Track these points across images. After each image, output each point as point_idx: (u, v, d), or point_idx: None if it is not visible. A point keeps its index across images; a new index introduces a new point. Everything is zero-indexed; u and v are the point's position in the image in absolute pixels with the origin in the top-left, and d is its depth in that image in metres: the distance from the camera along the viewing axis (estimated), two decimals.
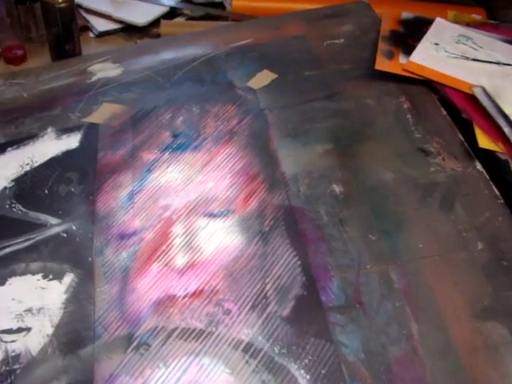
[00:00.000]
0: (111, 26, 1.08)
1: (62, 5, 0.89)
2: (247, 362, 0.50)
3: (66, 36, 0.93)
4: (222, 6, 1.12)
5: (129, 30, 1.08)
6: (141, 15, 1.08)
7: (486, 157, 0.63)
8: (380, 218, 0.60)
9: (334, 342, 0.50)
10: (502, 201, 0.59)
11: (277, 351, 0.50)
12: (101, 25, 1.08)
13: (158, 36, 1.05)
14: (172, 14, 1.12)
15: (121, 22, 1.08)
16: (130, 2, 1.11)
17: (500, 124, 0.63)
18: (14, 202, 0.69)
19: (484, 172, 0.62)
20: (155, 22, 1.07)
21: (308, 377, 0.48)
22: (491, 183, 0.61)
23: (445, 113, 0.69)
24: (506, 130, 0.62)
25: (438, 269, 0.55)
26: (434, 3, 0.97)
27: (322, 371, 0.48)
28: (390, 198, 0.61)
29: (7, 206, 0.68)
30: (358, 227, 0.59)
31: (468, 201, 0.60)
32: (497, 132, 0.63)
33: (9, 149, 0.76)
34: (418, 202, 0.61)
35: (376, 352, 0.49)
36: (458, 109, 0.68)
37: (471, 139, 0.65)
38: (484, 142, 0.62)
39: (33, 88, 0.85)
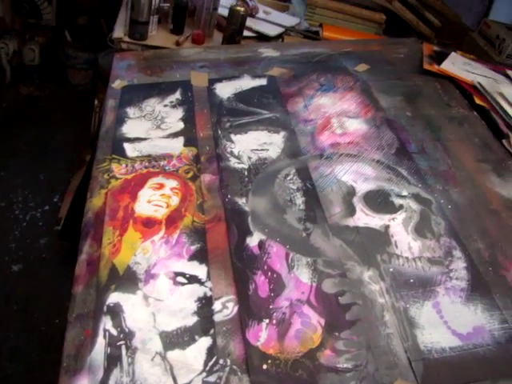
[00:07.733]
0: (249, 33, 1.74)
1: (242, 12, 1.55)
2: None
3: (239, 31, 1.57)
4: (317, 33, 1.82)
5: (260, 37, 1.74)
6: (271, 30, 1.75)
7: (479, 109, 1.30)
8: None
9: None
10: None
11: None
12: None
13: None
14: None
15: (256, 32, 1.74)
16: (261, 22, 1.78)
17: (485, 95, 1.31)
18: (238, 102, 1.28)
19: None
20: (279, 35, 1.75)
21: None
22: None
23: (458, 91, 1.36)
24: (488, 97, 1.29)
25: None
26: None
27: None
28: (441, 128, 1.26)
29: (234, 104, 1.28)
30: None
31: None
32: (484, 98, 1.31)
33: (223, 81, 1.36)
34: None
35: None
36: (465, 89, 1.36)
37: (472, 102, 1.32)
38: (478, 100, 1.29)
39: (225, 54, 1.47)
